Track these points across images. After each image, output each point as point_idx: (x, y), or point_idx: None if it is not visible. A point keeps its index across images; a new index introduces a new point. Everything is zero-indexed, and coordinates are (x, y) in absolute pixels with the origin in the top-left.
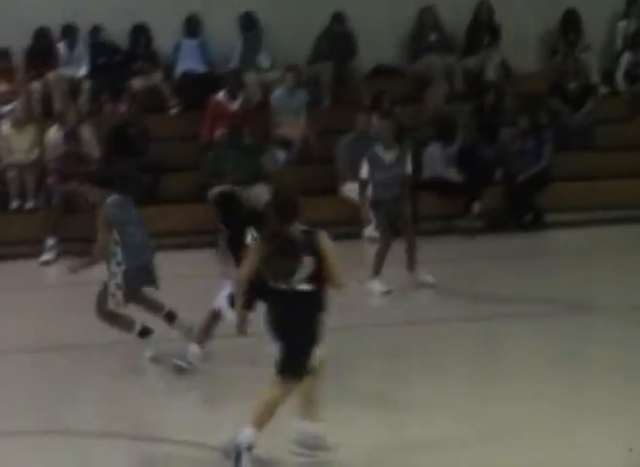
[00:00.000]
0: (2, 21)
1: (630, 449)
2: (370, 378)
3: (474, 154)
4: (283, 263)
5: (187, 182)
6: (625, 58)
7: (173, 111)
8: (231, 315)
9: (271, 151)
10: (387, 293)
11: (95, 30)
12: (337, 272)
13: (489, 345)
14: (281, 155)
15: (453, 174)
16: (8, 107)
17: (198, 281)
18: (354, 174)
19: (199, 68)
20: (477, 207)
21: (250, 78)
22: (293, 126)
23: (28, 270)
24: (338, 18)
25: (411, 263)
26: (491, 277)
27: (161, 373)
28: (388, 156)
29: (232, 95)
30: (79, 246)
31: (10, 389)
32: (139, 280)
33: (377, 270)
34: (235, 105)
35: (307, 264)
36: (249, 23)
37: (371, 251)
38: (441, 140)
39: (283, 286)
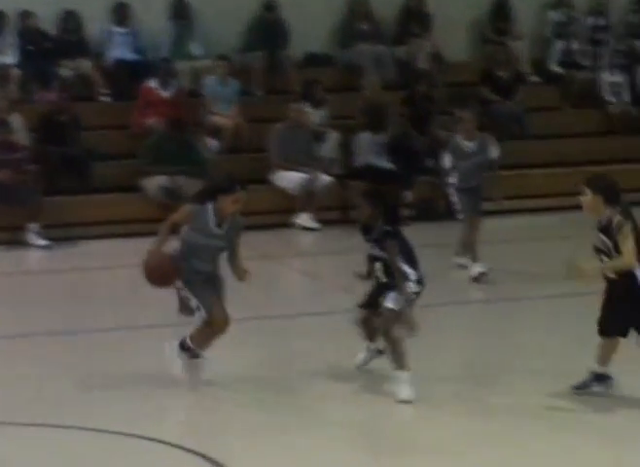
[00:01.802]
0: None
1: None
2: None
3: (405, 143)
4: None
5: (118, 170)
6: (558, 47)
7: (103, 99)
8: None
9: (203, 140)
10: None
11: (24, 16)
12: None
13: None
14: (213, 144)
15: (384, 163)
16: None
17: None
18: (286, 163)
19: (130, 56)
20: (408, 196)
21: (181, 66)
22: (224, 115)
23: None
24: (270, 6)
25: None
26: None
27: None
28: (469, 146)
29: (164, 83)
30: (9, 236)
31: None
32: None
33: (474, 257)
34: (167, 93)
35: None
36: (180, 11)
37: (303, 239)
38: (371, 129)
39: None
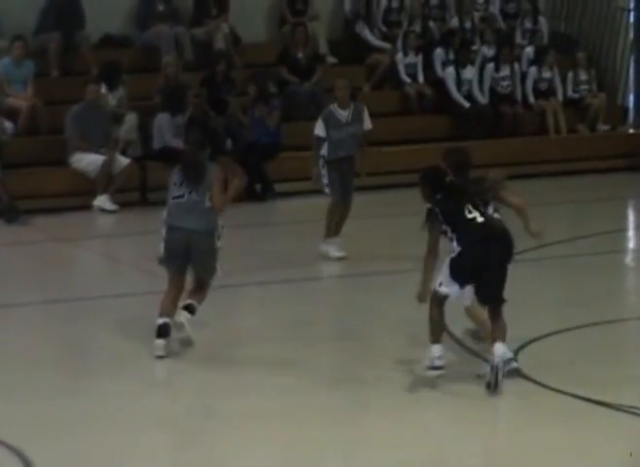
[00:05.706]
0: None
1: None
2: None
3: (204, 124)
4: None
5: None
6: (361, 28)
7: None
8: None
9: None
10: (341, 258)
11: None
12: None
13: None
14: (9, 125)
15: (183, 144)
16: None
17: None
18: (83, 145)
19: None
20: None
21: None
22: (20, 97)
23: None
24: None
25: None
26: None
27: None
28: (344, 114)
29: None
30: None
31: None
32: None
33: (330, 232)
34: None
35: None
36: None
37: (101, 222)
38: (170, 110)
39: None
